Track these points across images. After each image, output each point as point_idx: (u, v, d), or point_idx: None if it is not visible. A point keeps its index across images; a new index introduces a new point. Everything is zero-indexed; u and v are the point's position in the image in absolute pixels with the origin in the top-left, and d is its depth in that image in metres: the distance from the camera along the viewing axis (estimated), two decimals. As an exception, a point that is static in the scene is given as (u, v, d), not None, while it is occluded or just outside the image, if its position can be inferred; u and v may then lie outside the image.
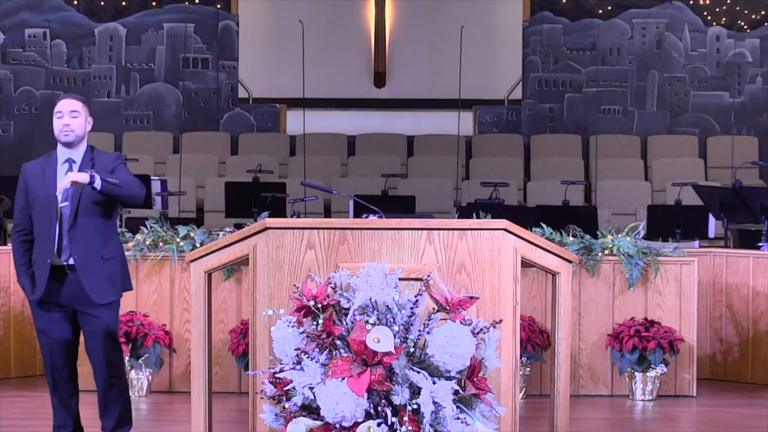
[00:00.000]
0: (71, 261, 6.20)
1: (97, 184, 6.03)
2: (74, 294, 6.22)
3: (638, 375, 8.81)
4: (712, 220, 11.34)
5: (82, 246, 6.20)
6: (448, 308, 5.37)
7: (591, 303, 9.05)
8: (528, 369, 8.91)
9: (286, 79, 15.95)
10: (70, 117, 6.24)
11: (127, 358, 8.59)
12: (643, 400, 8.82)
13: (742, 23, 16.18)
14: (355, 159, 15.85)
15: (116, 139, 16.03)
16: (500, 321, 5.45)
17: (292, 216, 11.64)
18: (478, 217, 9.80)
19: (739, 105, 16.12)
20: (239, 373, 8.90)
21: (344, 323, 5.27)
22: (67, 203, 6.19)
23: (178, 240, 9.01)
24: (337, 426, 5.13)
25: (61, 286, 6.21)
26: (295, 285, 5.41)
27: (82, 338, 6.40)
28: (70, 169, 6.23)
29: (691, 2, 16.22)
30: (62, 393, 6.39)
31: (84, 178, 6.01)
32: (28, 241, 6.27)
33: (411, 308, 5.25)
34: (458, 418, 5.17)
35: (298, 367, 5.24)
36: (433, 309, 5.38)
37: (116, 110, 16.19)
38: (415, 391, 5.15)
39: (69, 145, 6.25)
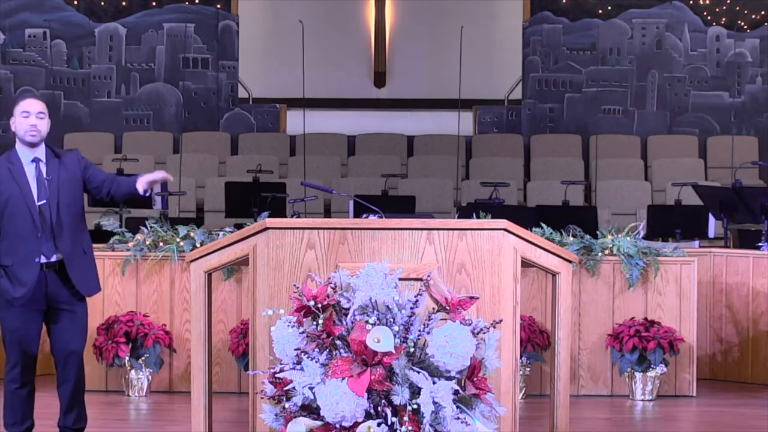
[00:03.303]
0: (56, 257, 6.22)
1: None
2: (57, 290, 6.23)
3: (638, 375, 8.81)
4: (712, 220, 11.34)
5: (67, 241, 6.25)
6: (448, 308, 5.37)
7: (591, 303, 9.05)
8: (528, 369, 8.90)
9: (286, 79, 15.95)
10: (37, 118, 6.30)
11: (127, 358, 8.59)
12: (643, 400, 8.82)
13: (742, 23, 16.18)
14: (355, 159, 15.85)
15: (116, 139, 16.02)
16: (500, 321, 5.45)
17: (292, 216, 11.63)
18: (478, 217, 9.80)
19: (739, 105, 16.12)
20: (239, 373, 8.90)
21: (344, 323, 5.28)
22: (44, 201, 6.22)
23: (178, 240, 9.01)
24: (337, 426, 5.13)
25: (45, 283, 6.22)
26: (295, 285, 5.41)
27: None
28: (38, 168, 6.28)
29: (691, 2, 16.22)
30: (28, 387, 6.36)
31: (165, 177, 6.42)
32: None
33: (411, 308, 5.25)
34: (458, 418, 5.17)
35: (298, 367, 5.25)
36: (433, 309, 5.38)
37: (116, 110, 16.19)
38: (415, 391, 5.15)
39: (33, 145, 6.30)
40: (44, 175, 6.27)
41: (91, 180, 6.40)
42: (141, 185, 6.33)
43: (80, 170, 6.38)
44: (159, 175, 6.41)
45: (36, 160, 6.29)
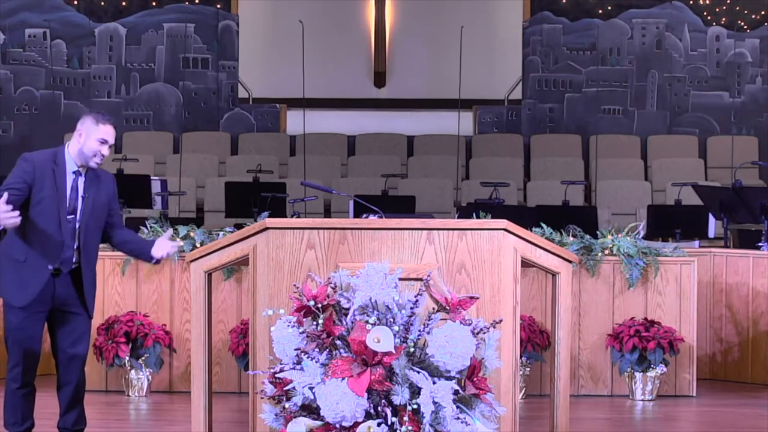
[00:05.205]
0: (75, 265, 6.22)
1: None
2: (66, 293, 6.23)
3: (638, 375, 8.81)
4: (712, 220, 11.34)
5: (86, 258, 6.27)
6: (448, 308, 5.37)
7: (591, 303, 9.05)
8: (528, 369, 8.90)
9: (286, 79, 15.95)
10: (108, 149, 6.31)
11: (127, 358, 8.59)
12: (643, 400, 8.82)
13: (742, 23, 16.19)
14: (355, 159, 15.85)
15: (116, 139, 15.98)
16: (500, 321, 5.46)
17: (292, 216, 11.63)
18: (478, 217, 9.80)
19: (739, 105, 16.12)
20: (239, 373, 8.90)
21: (344, 323, 5.28)
22: (74, 216, 6.21)
23: (178, 240, 9.00)
24: (337, 426, 5.13)
25: (54, 287, 6.21)
26: (295, 285, 5.41)
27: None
28: (76, 181, 6.25)
29: (691, 2, 16.23)
30: (29, 387, 6.36)
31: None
32: None
33: (411, 308, 5.25)
34: (458, 418, 5.17)
35: (298, 367, 5.25)
36: (433, 309, 5.39)
37: (116, 110, 16.18)
38: (415, 391, 5.15)
39: (85, 166, 6.29)
40: (80, 191, 6.25)
41: (110, 214, 6.42)
42: (156, 255, 6.39)
43: (112, 197, 6.40)
44: (173, 249, 6.44)
45: (76, 174, 6.27)
